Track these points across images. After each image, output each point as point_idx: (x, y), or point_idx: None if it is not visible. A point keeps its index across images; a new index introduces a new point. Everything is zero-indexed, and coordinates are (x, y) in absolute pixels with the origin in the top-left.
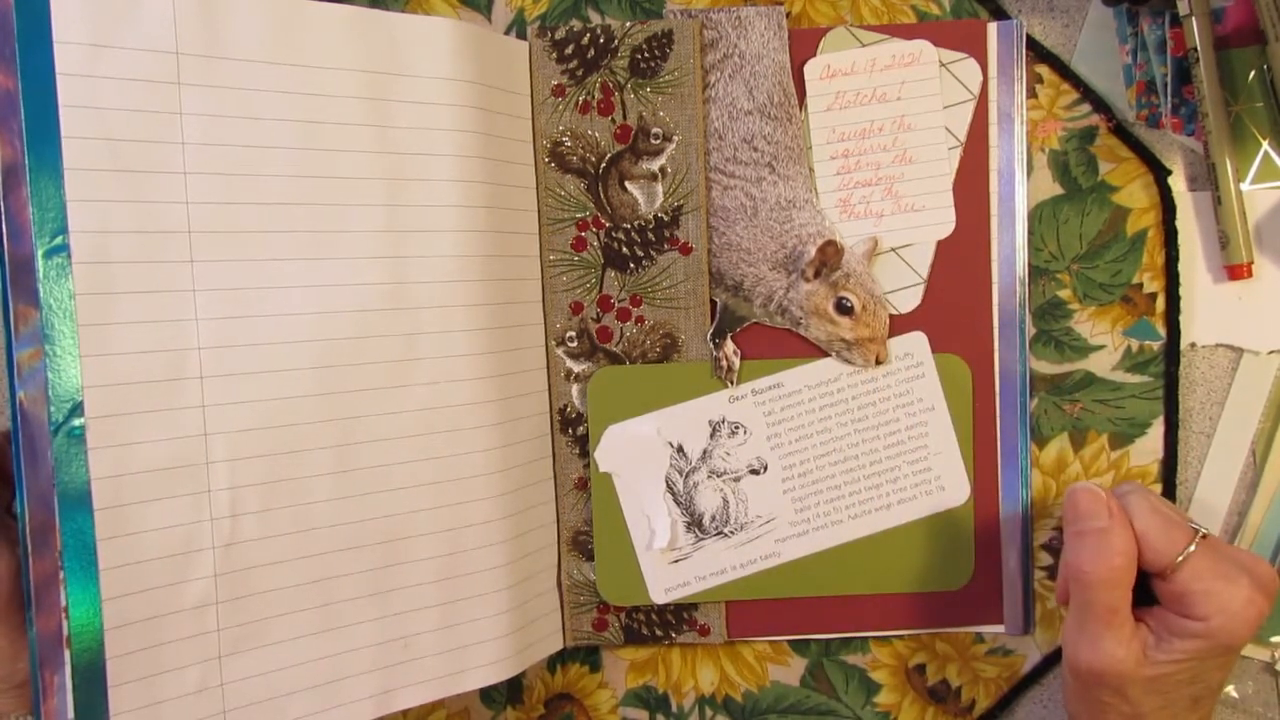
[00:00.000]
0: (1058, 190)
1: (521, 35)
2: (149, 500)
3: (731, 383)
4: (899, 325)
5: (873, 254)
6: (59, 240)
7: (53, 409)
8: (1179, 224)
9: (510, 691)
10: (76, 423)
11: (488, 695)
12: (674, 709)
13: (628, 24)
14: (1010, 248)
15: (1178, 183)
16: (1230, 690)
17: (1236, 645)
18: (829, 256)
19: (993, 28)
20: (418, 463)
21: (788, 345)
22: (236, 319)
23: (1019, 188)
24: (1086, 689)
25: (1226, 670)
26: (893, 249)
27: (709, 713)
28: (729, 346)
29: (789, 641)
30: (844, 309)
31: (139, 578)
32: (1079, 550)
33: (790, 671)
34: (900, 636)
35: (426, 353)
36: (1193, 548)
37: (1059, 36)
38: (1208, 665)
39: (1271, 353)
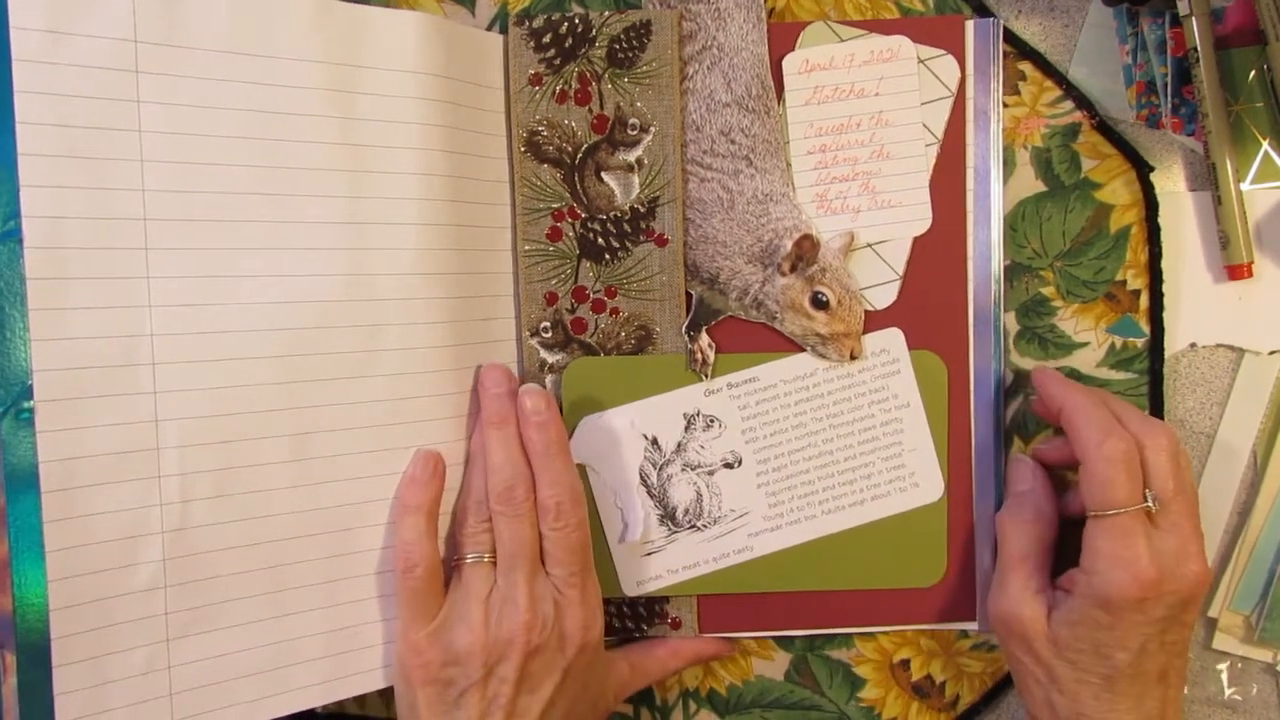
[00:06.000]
0: (1040, 187)
1: (506, 29)
2: (97, 484)
3: (706, 376)
4: (875, 321)
5: (848, 249)
6: (11, 225)
7: (1, 392)
8: (1177, 223)
9: None
10: (25, 405)
11: None
12: (658, 702)
13: (606, 14)
14: (986, 245)
15: (1161, 179)
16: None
17: (1116, 608)
18: (805, 251)
19: (970, 25)
20: (376, 453)
21: (763, 339)
22: (191, 307)
23: (995, 185)
24: (1004, 645)
25: (1130, 651)
26: (869, 245)
27: (693, 707)
28: (704, 340)
29: (773, 637)
30: (819, 304)
31: (86, 560)
32: (1003, 508)
33: (774, 666)
34: (885, 632)
35: (388, 344)
36: (1118, 512)
37: (1059, 36)
38: (1104, 636)
39: (1272, 353)
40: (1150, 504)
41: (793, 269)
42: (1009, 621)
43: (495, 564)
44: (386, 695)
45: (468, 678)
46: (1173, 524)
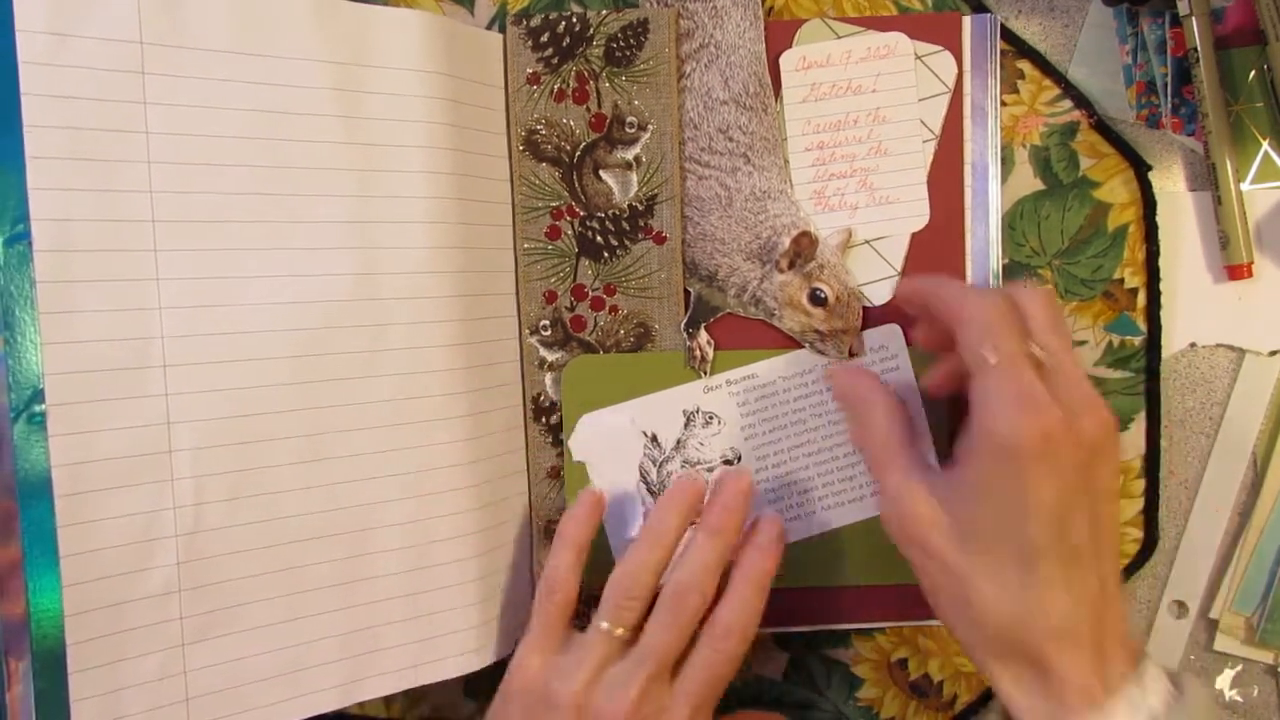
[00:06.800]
0: (1039, 186)
1: (504, 29)
2: (110, 488)
3: (705, 373)
4: (874, 317)
5: (847, 245)
6: (20, 228)
7: (13, 395)
8: (1177, 223)
9: (495, 685)
10: (37, 409)
11: (471, 689)
12: None
13: (603, 12)
14: (984, 241)
15: (1161, 179)
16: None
17: (1020, 456)
18: (803, 247)
19: (967, 20)
20: (388, 453)
21: (762, 336)
22: (201, 308)
23: (993, 181)
24: (906, 555)
25: (1044, 517)
26: (867, 241)
27: None
28: (703, 337)
29: (771, 635)
30: (818, 300)
31: (100, 565)
32: (850, 424)
33: (772, 665)
34: (881, 629)
35: (396, 344)
36: (1006, 353)
37: (1059, 36)
38: (1011, 503)
39: (1272, 353)
40: (1038, 352)
41: (791, 265)
42: (902, 522)
43: (628, 641)
44: (389, 695)
45: None
46: (1065, 375)
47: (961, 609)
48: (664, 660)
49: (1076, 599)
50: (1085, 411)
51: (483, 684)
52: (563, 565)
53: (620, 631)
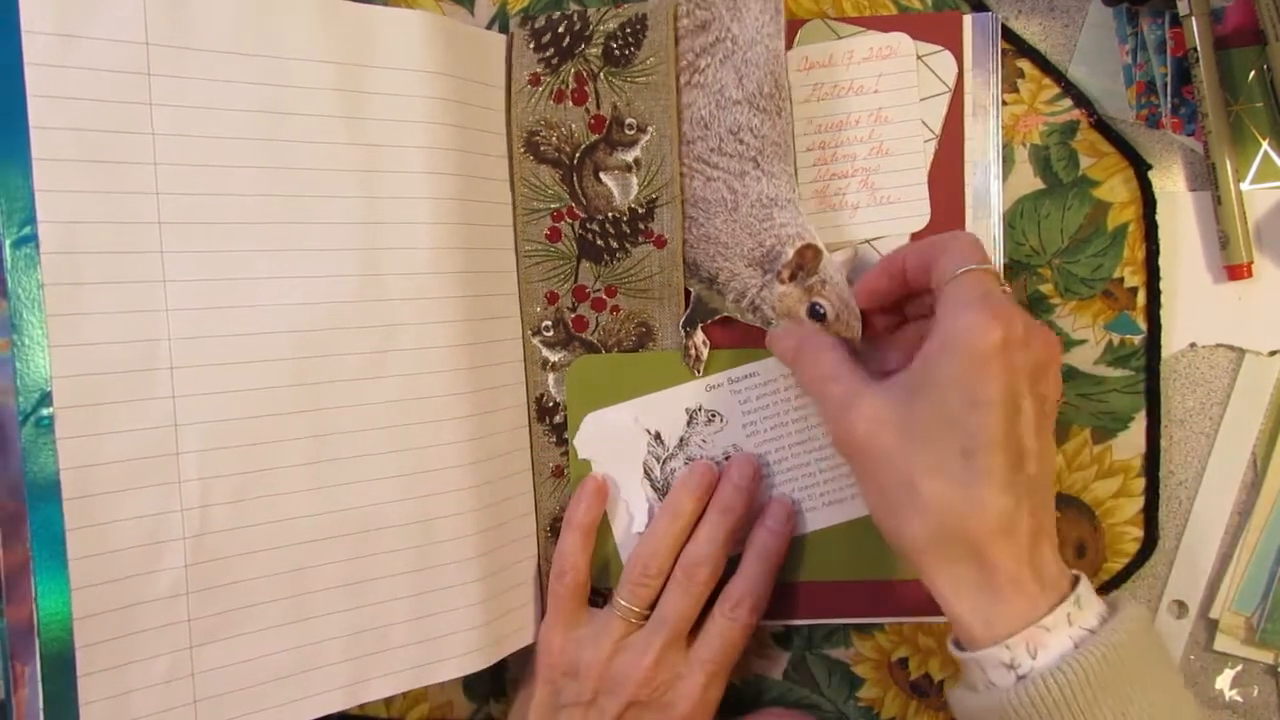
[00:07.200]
0: (1039, 185)
1: (504, 29)
2: (118, 490)
3: (698, 373)
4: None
5: (852, 263)
6: (27, 230)
7: (21, 399)
8: (1177, 223)
9: (494, 684)
10: (45, 412)
11: (471, 689)
12: None
13: (604, 10)
14: (984, 240)
15: (1161, 179)
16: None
17: (973, 352)
18: (806, 260)
19: (968, 20)
20: (393, 454)
21: (761, 336)
22: (208, 310)
23: (994, 181)
24: (855, 467)
25: (991, 407)
26: (867, 240)
27: None
28: (698, 337)
29: (771, 635)
30: (816, 315)
31: (108, 567)
32: (797, 376)
33: (773, 665)
34: (881, 627)
35: (401, 344)
36: (973, 268)
37: (1059, 36)
38: (957, 395)
39: (1272, 353)
40: (1004, 284)
41: (792, 277)
42: (850, 426)
43: (644, 618)
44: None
45: (577, 695)
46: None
47: (907, 503)
48: (678, 628)
49: (1017, 498)
50: (1039, 330)
51: (483, 684)
52: (570, 548)
53: (637, 608)
